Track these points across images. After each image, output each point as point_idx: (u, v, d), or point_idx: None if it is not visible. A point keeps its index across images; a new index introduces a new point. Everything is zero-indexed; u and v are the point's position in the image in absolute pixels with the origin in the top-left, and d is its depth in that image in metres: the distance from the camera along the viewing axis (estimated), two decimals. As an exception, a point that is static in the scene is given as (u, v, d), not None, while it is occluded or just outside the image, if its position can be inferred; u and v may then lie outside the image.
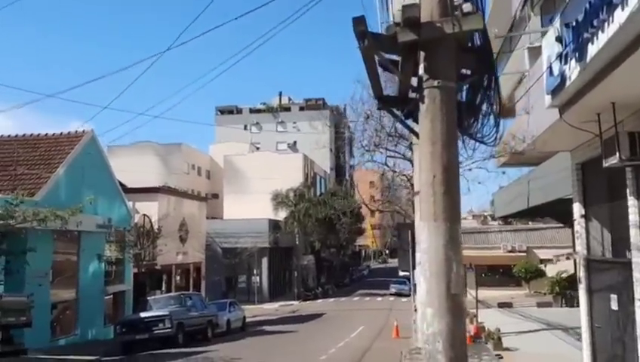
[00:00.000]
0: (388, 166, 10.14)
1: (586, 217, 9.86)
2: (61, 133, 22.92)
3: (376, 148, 9.30)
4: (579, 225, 9.90)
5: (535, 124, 8.48)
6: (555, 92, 7.29)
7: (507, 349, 17.46)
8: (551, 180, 16.50)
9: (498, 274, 42.91)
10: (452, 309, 3.61)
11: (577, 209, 9.98)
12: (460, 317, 3.68)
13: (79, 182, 21.70)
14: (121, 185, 28.00)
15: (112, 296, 24.50)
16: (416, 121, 5.59)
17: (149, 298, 21.31)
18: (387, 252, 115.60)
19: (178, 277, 32.71)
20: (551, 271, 42.48)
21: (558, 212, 25.10)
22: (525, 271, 42.05)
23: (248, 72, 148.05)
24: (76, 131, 22.88)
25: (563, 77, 6.77)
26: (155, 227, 26.85)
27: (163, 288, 29.38)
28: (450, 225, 3.91)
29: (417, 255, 5.86)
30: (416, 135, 5.83)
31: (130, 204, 25.90)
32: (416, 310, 8.99)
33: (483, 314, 22.06)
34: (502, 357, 13.93)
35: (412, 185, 9.08)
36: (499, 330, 18.48)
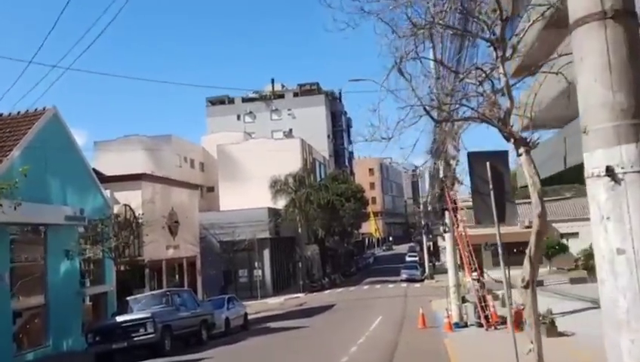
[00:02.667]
0: (443, 64, 6.76)
1: None
2: (18, 113, 19.57)
3: (433, 25, 5.87)
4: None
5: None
6: None
7: (563, 334, 14.77)
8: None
9: (515, 251, 40.33)
10: None
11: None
12: None
13: (41, 167, 18.44)
14: (98, 173, 24.85)
15: (91, 299, 21.29)
16: None
17: (128, 298, 18.03)
18: (390, 238, 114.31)
19: (177, 275, 29.61)
20: (574, 245, 39.64)
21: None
22: (547, 246, 39.78)
23: (238, 60, 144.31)
24: (35, 109, 19.54)
25: None
26: (139, 216, 23.52)
27: (154, 286, 26.10)
28: None
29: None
30: None
31: (107, 193, 22.63)
32: (527, 286, 5.76)
33: (513, 295, 19.30)
34: None
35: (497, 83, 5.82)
36: (550, 312, 15.51)
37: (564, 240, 41.11)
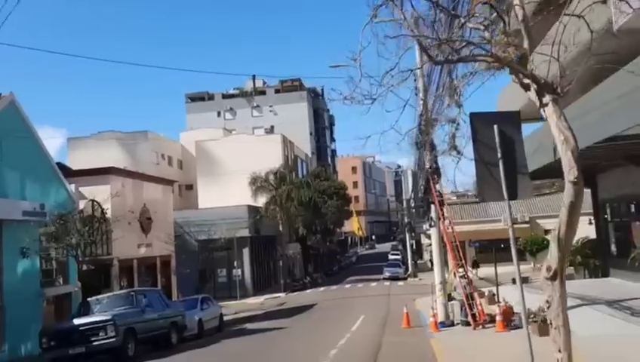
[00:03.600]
0: (437, 4, 5.53)
1: None
2: (-28, 100, 18.14)
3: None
4: None
5: None
6: None
7: (555, 333, 13.59)
8: (594, 118, 12.64)
9: (503, 247, 40.04)
10: None
11: None
12: None
13: (-4, 158, 17.11)
14: (64, 167, 23.48)
15: (53, 300, 19.91)
16: None
17: (89, 299, 16.67)
18: (373, 237, 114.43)
19: (156, 275, 28.26)
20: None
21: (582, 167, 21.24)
22: (531, 243, 39.53)
23: (218, 57, 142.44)
24: (-9, 96, 18.14)
25: None
26: (106, 211, 22.10)
27: (125, 286, 24.63)
28: None
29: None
30: None
31: (72, 187, 21.24)
32: (554, 277, 4.68)
33: (500, 292, 18.57)
34: None
35: None
36: (543, 309, 14.59)
37: (548, 237, 40.77)
